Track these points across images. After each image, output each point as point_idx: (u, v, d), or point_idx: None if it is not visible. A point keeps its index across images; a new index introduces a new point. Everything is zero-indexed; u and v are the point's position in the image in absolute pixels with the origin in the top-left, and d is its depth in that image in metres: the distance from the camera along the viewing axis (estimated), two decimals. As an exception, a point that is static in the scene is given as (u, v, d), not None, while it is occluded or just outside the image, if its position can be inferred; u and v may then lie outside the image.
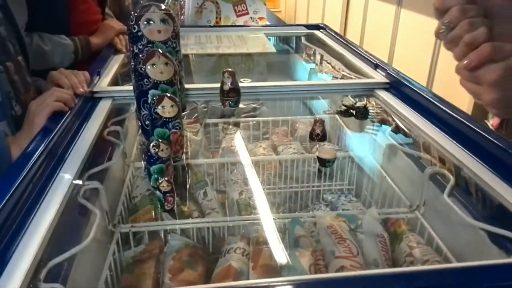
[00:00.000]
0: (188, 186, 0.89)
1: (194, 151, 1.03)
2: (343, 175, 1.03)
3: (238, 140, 1.10)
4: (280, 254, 0.66)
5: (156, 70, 0.68)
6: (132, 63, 0.75)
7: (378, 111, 0.94)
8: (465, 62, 0.55)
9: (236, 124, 1.15)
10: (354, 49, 1.33)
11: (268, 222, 0.76)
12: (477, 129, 0.75)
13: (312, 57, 1.56)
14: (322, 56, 1.48)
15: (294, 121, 1.21)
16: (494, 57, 0.54)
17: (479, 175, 0.67)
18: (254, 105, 1.20)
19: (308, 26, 1.68)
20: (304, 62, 1.57)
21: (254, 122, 1.17)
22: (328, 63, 1.41)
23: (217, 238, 0.78)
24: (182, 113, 0.99)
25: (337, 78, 1.26)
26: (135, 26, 0.75)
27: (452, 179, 0.70)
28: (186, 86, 1.01)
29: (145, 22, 0.75)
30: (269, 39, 1.62)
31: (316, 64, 1.48)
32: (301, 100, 1.26)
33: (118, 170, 0.89)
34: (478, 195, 0.68)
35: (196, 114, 1.14)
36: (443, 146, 0.77)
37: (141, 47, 0.76)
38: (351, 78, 1.19)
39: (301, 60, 1.61)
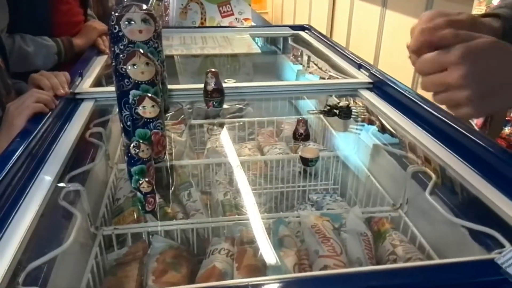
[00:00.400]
0: (172, 188, 0.89)
1: (179, 152, 1.02)
2: (328, 174, 1.04)
3: (223, 141, 1.09)
4: (264, 254, 0.66)
5: (137, 70, 0.68)
6: (113, 64, 0.75)
7: (362, 110, 0.95)
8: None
9: (221, 125, 1.14)
10: (338, 49, 1.34)
11: (253, 222, 0.75)
12: (459, 129, 0.75)
13: (297, 58, 1.57)
14: (308, 57, 1.48)
15: (279, 122, 1.21)
16: (449, 39, 0.53)
17: (461, 174, 0.67)
18: (240, 106, 1.20)
19: (293, 27, 1.68)
20: (289, 62, 1.57)
21: (240, 122, 1.17)
22: (314, 63, 1.42)
23: (201, 239, 0.77)
24: (166, 114, 0.99)
25: (323, 78, 1.26)
26: (116, 26, 0.74)
27: (434, 177, 0.71)
28: (170, 86, 1.00)
29: (126, 22, 0.74)
30: (256, 40, 1.62)
31: (302, 65, 1.49)
32: (287, 100, 1.26)
33: (101, 172, 0.88)
34: (460, 193, 0.69)
35: (182, 116, 1.14)
36: (426, 145, 0.77)
37: (122, 47, 0.75)
38: (336, 78, 1.19)
39: (287, 60, 1.61)
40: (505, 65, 0.53)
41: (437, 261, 0.65)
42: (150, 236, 0.74)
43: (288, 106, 1.28)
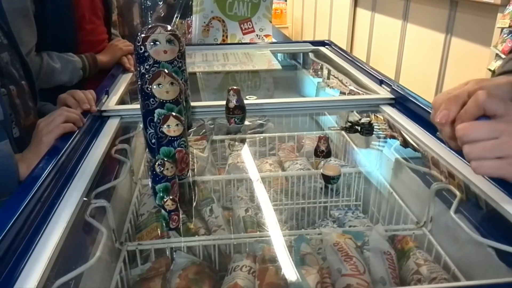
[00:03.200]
0: (194, 203, 0.90)
1: (201, 168, 1.03)
2: (350, 191, 1.03)
3: (244, 157, 1.10)
4: (286, 272, 0.66)
5: (162, 89, 0.69)
6: (139, 83, 0.77)
7: (384, 127, 0.94)
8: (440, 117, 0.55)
9: (243, 141, 1.16)
10: (359, 65, 1.34)
11: (274, 239, 0.76)
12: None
13: (318, 73, 1.58)
14: (328, 72, 1.49)
15: (300, 137, 1.22)
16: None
17: (485, 192, 0.66)
18: (260, 122, 1.21)
19: (314, 43, 1.69)
20: (310, 77, 1.58)
21: (261, 138, 1.18)
22: (334, 78, 1.42)
23: (223, 256, 0.78)
24: (188, 131, 1.01)
25: (344, 93, 1.26)
26: (142, 47, 0.77)
27: (458, 195, 0.70)
28: (193, 103, 1.02)
29: (152, 43, 0.76)
30: (277, 55, 1.63)
31: (323, 80, 1.49)
32: (308, 116, 1.27)
33: (126, 188, 0.90)
34: (485, 211, 0.68)
35: (203, 131, 1.15)
36: (449, 162, 0.76)
37: (147, 67, 0.77)
38: (357, 93, 1.19)
39: (308, 75, 1.62)
40: None
41: (463, 282, 0.64)
42: (173, 252, 0.75)
43: (309, 121, 1.28)
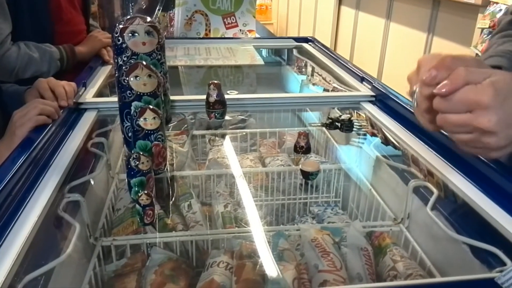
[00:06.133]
0: (173, 199, 0.89)
1: (181, 163, 1.02)
2: (330, 187, 1.03)
3: (225, 152, 1.09)
4: (263, 268, 0.66)
5: (139, 82, 0.68)
6: (116, 75, 0.75)
7: (364, 123, 0.95)
8: (440, 87, 0.50)
9: (224, 136, 1.15)
10: (341, 62, 1.34)
11: (252, 235, 0.75)
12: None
13: (302, 69, 1.57)
14: (312, 68, 1.49)
15: (282, 133, 1.21)
16: (469, 79, 0.49)
17: (462, 190, 0.67)
18: (242, 117, 1.20)
19: (297, 39, 1.69)
20: (294, 73, 1.58)
21: (242, 133, 1.17)
22: (318, 74, 1.42)
23: (201, 252, 0.77)
24: (169, 125, 0.99)
25: (327, 90, 1.26)
26: (120, 38, 0.75)
27: (435, 192, 0.71)
28: (173, 97, 1.00)
29: (130, 34, 0.74)
30: (261, 51, 1.63)
31: (307, 75, 1.49)
32: (290, 112, 1.26)
33: (102, 182, 0.88)
34: (461, 209, 0.68)
35: (185, 125, 1.14)
36: (427, 159, 0.77)
37: (125, 58, 0.75)
38: (340, 90, 1.19)
39: (291, 71, 1.62)
40: None
41: (436, 279, 0.64)
42: (150, 248, 0.73)
43: (291, 117, 1.28)
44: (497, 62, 0.70)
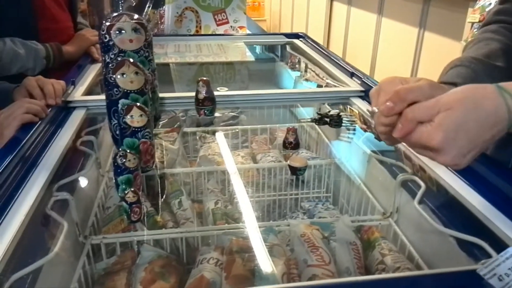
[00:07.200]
0: (164, 196, 0.89)
1: (171, 160, 1.02)
2: (321, 182, 1.03)
3: (216, 149, 1.09)
4: (253, 264, 0.66)
5: (126, 79, 0.68)
6: (104, 72, 0.75)
7: (353, 119, 0.95)
8: (395, 133, 0.53)
9: (215, 133, 1.14)
10: (332, 57, 1.34)
11: (242, 231, 0.75)
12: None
13: (295, 65, 1.57)
14: (306, 64, 1.49)
15: (273, 129, 1.21)
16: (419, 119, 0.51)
17: (449, 183, 0.67)
18: (233, 114, 1.20)
19: (288, 35, 1.69)
20: (287, 69, 1.58)
21: (233, 130, 1.17)
22: (311, 70, 1.42)
23: (191, 248, 0.77)
24: (157, 122, 0.99)
25: (321, 85, 1.26)
26: (107, 35, 0.75)
27: (423, 186, 0.71)
28: (162, 95, 1.00)
29: (117, 31, 0.74)
30: (254, 48, 1.62)
31: (300, 72, 1.49)
32: (281, 108, 1.26)
33: (92, 181, 0.88)
34: (448, 202, 0.69)
35: (178, 123, 1.14)
36: (415, 153, 0.77)
37: (112, 56, 0.75)
38: (332, 85, 1.19)
39: (284, 68, 1.62)
40: (478, 122, 0.50)
41: (421, 271, 0.65)
42: (140, 245, 0.73)
43: (282, 114, 1.28)
44: (454, 77, 0.72)
